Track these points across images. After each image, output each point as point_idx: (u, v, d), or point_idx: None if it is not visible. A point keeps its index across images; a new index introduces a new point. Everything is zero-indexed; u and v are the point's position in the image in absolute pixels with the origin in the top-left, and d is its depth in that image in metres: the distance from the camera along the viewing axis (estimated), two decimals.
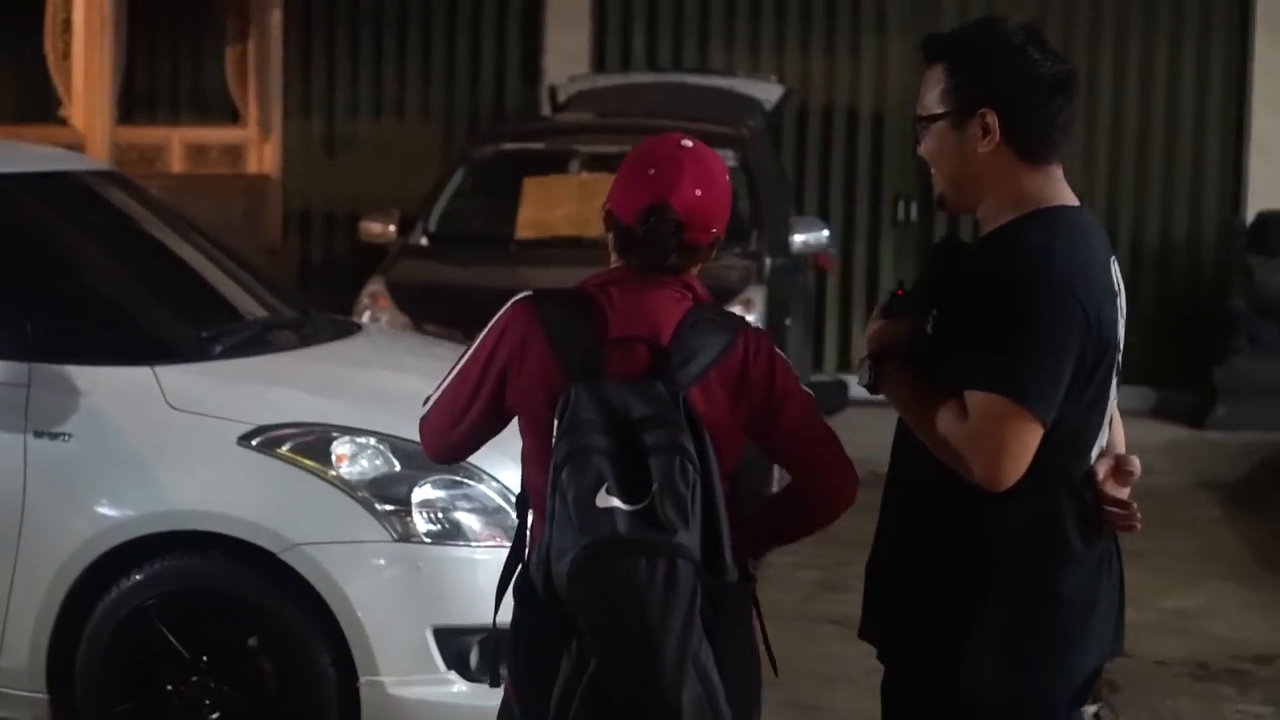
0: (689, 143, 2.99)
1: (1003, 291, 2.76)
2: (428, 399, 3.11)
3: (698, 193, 2.93)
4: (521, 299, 2.99)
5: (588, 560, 2.70)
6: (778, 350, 3.02)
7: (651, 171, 2.93)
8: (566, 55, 12.07)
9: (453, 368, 3.06)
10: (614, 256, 3.03)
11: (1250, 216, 11.24)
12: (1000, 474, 2.75)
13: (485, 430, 3.08)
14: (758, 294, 7.81)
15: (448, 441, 3.10)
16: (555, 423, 2.81)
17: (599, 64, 12.19)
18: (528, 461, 3.01)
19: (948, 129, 2.90)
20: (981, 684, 2.84)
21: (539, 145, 9.20)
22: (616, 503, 2.72)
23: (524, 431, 3.00)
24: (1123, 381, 2.91)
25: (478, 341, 3.02)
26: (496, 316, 3.01)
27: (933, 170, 2.97)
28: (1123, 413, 2.98)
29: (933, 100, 2.92)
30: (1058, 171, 2.92)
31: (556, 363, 2.91)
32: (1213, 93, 11.67)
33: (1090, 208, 11.53)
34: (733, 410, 2.94)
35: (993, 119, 2.85)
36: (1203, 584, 7.29)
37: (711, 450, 2.82)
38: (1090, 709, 5.66)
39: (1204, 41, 11.65)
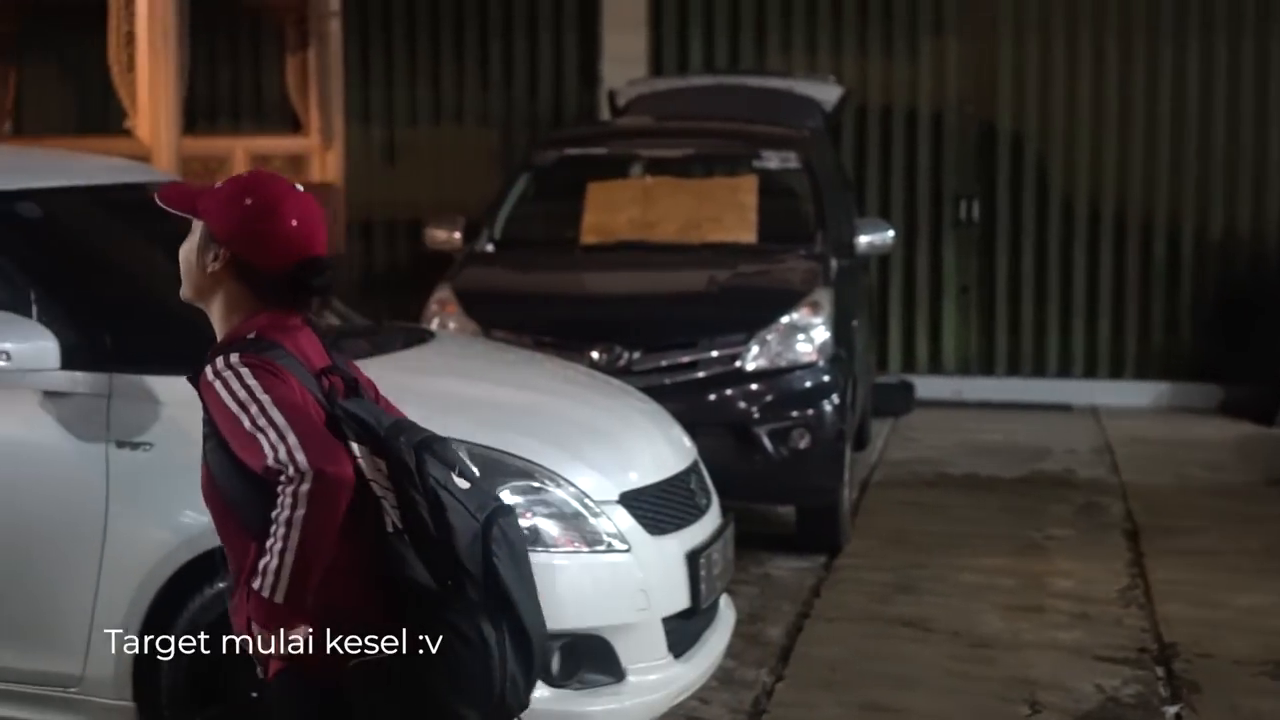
0: (301, 186, 3.16)
1: None
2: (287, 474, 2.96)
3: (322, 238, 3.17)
4: (250, 357, 3.06)
5: (493, 528, 3.05)
6: None
7: (294, 223, 3.10)
8: (623, 58, 12.09)
9: (272, 425, 3.00)
10: (244, 298, 3.18)
11: None
12: None
13: None
14: (824, 296, 7.74)
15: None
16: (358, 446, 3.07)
17: (656, 66, 12.20)
18: None
19: None
20: None
21: (601, 150, 9.22)
22: (464, 483, 3.08)
23: None
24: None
25: (262, 397, 3.01)
26: (248, 380, 3.02)
27: None
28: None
29: None
30: None
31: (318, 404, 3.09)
32: (1273, 87, 11.59)
33: (1152, 203, 11.39)
34: None
35: None
36: (1275, 582, 7.23)
37: None
38: (1171, 709, 5.64)
39: (1263, 37, 11.57)
